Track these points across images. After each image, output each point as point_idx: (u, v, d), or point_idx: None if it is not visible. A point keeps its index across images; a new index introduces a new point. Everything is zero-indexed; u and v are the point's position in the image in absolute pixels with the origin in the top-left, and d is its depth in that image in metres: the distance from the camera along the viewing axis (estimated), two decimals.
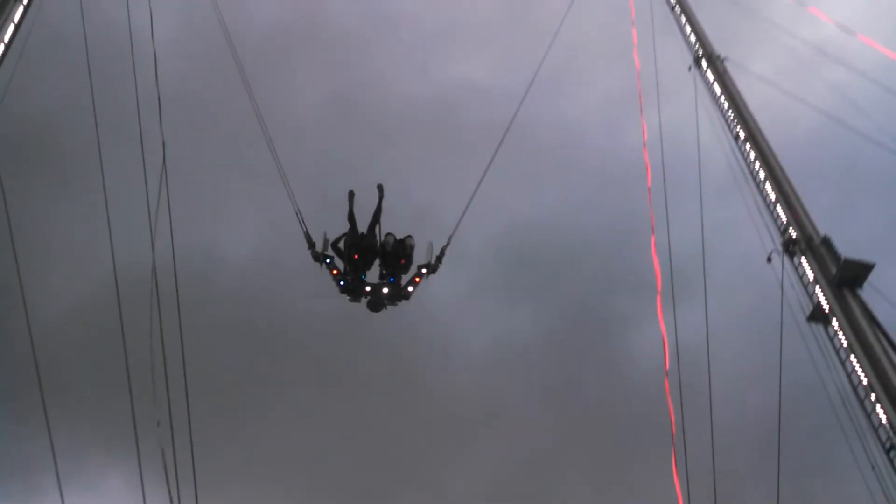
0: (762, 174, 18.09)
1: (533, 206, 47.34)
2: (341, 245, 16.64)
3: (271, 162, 18.52)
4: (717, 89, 20.71)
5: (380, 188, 16.96)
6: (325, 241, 16.77)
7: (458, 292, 43.92)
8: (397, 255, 16.41)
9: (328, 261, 16.37)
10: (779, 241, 16.81)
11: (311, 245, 16.56)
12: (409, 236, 16.73)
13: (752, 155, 18.60)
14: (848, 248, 15.40)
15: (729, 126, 19.93)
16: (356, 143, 45.90)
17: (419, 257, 16.83)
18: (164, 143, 18.17)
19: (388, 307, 16.47)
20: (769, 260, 16.83)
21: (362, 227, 16.65)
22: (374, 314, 16.45)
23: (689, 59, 22.54)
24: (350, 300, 16.33)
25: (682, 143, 23.23)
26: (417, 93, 49.57)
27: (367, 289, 16.15)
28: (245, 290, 40.00)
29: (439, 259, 16.80)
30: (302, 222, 16.86)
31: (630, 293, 43.16)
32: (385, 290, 16.24)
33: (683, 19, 23.67)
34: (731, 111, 19.95)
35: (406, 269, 16.56)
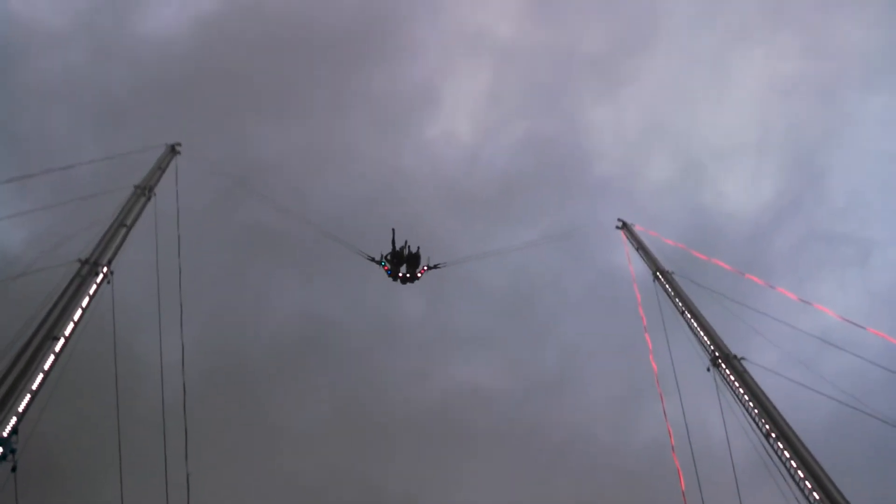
0: (794, 465, 17.86)
1: None
2: (388, 256, 30.77)
3: None
4: (739, 388, 20.97)
5: (406, 243, 31.23)
6: (382, 255, 30.69)
7: None
8: (412, 258, 31.00)
9: (383, 263, 30.66)
10: None
11: (372, 259, 30.69)
12: (419, 248, 31.24)
13: (785, 452, 18.44)
14: None
15: (755, 421, 19.96)
16: (361, 450, 45.83)
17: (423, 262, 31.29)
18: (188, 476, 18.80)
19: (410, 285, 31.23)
20: None
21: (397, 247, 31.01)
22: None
23: (706, 360, 23.05)
24: (392, 280, 30.76)
25: (706, 437, 23.16)
26: (420, 396, 50.55)
27: (401, 276, 30.80)
28: None
29: (435, 266, 31.47)
30: (364, 254, 30.75)
31: None
32: (408, 276, 30.87)
33: (694, 323, 24.56)
34: (756, 409, 20.04)
35: (416, 265, 31.09)
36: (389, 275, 30.59)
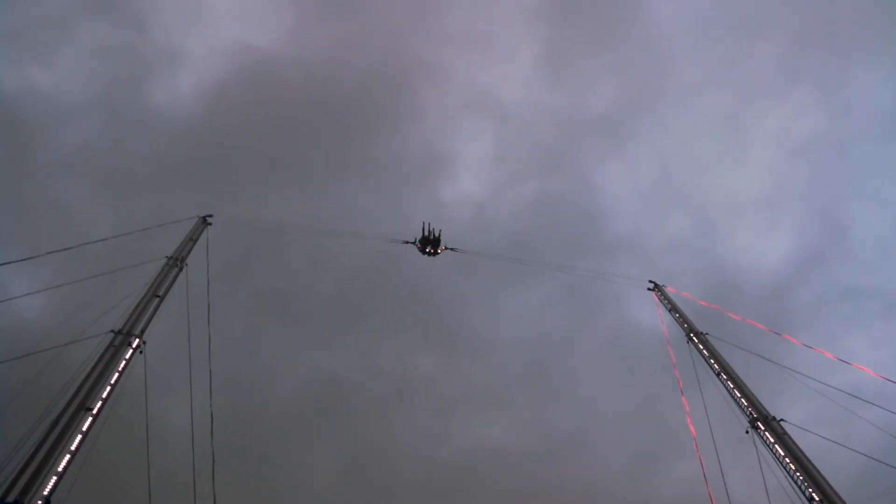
0: None
1: None
2: (418, 243, 40.74)
3: None
4: (780, 451, 20.44)
5: (438, 233, 41.04)
6: (416, 238, 40.32)
7: None
8: (435, 240, 40.34)
9: (416, 243, 40.29)
10: None
11: (407, 241, 40.35)
12: (440, 230, 40.86)
13: None
14: None
15: (797, 484, 19.37)
16: None
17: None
18: None
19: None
20: None
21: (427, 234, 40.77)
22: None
23: (744, 422, 22.53)
24: (421, 253, 40.04)
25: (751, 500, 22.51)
26: (433, 457, 49.75)
27: (429, 251, 40.42)
28: None
29: (453, 249, 40.83)
30: (401, 241, 40.70)
31: None
32: (432, 251, 40.39)
33: (731, 385, 24.10)
34: (798, 473, 19.48)
35: (438, 244, 40.43)
36: (419, 247, 40.48)
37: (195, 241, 26.57)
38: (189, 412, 21.32)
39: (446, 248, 40.83)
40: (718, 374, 24.96)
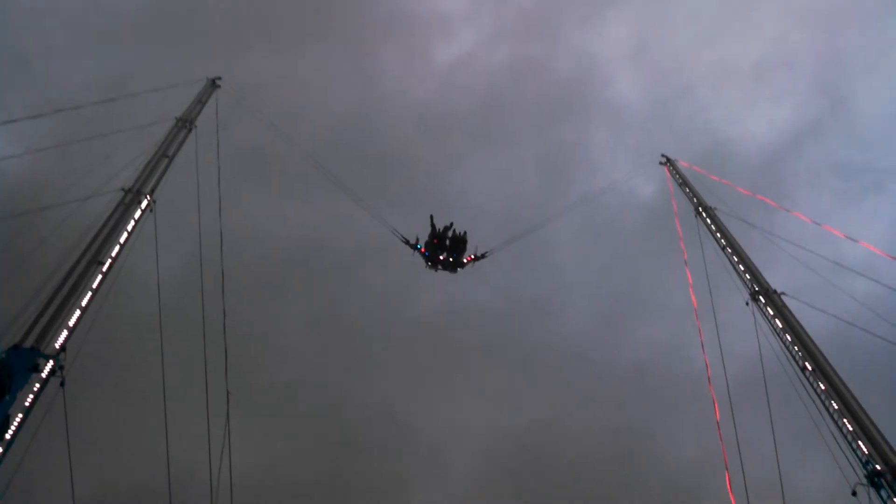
0: (836, 406, 17.65)
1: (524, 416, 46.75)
2: (428, 240, 27.94)
3: None
4: (779, 323, 20.78)
5: (450, 224, 28.18)
6: (417, 238, 28.07)
7: None
8: (457, 242, 27.99)
9: (419, 246, 27.87)
10: (862, 473, 16.03)
11: (407, 242, 27.98)
12: (465, 231, 28.23)
13: (823, 387, 18.28)
14: None
15: (794, 357, 19.78)
16: (336, 361, 45.91)
17: (471, 246, 28.25)
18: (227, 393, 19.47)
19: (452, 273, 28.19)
20: (854, 493, 15.95)
21: (437, 229, 28.08)
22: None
23: (745, 295, 22.82)
24: (429, 268, 28.00)
25: (748, 368, 23.09)
26: (399, 313, 50.37)
27: (441, 259, 27.81)
28: None
29: (483, 256, 28.32)
30: (398, 235, 28.11)
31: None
32: (451, 262, 27.95)
33: (735, 259, 24.28)
34: (795, 346, 19.85)
35: (462, 252, 28.05)
36: (427, 259, 27.80)
37: (204, 104, 26.41)
38: (199, 274, 21.71)
39: (475, 258, 28.38)
40: (724, 248, 25.13)
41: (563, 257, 56.18)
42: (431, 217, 27.78)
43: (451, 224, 27.82)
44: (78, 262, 17.07)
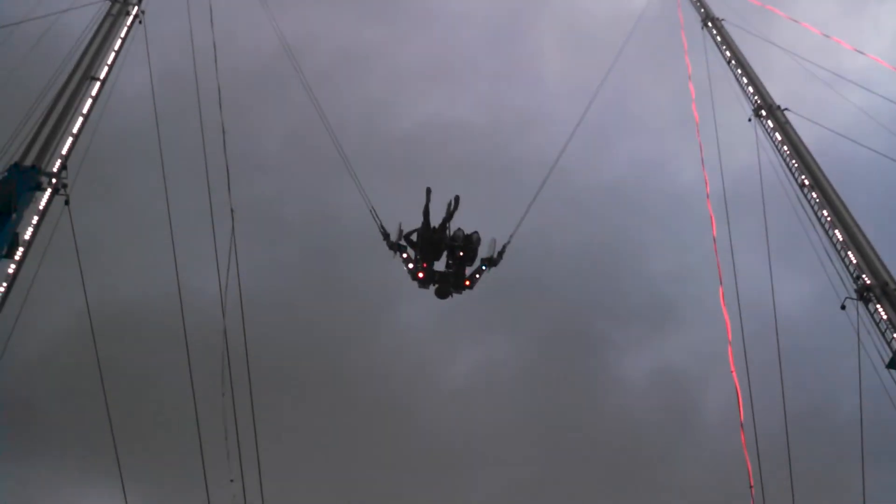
0: (829, 219, 17.94)
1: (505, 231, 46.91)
2: (414, 237, 17.76)
3: None
4: (780, 137, 20.71)
5: (457, 199, 17.94)
6: (400, 231, 17.91)
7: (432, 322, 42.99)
8: (463, 249, 17.63)
9: (404, 252, 17.67)
10: (852, 287, 16.54)
11: (386, 236, 17.93)
12: (476, 232, 17.91)
13: (818, 201, 18.50)
14: None
15: (792, 173, 19.89)
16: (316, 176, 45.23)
17: (483, 251, 18.05)
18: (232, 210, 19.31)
19: (454, 295, 17.82)
20: (843, 307, 16.53)
21: (435, 222, 17.79)
22: (441, 300, 17.80)
23: (748, 111, 22.59)
24: (420, 286, 17.66)
25: (741, 184, 23.28)
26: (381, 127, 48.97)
27: (436, 277, 17.56)
28: None
29: (500, 254, 18.16)
30: (375, 216, 18.26)
31: (611, 319, 43.76)
32: (451, 280, 17.64)
33: (739, 72, 23.82)
34: (794, 160, 19.89)
35: (471, 261, 17.78)
36: (413, 271, 17.60)
37: None
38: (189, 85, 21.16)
39: (489, 265, 17.99)
40: (729, 62, 24.59)
41: (546, 69, 54.32)
42: (428, 192, 17.88)
43: (456, 203, 17.90)
44: (71, 76, 16.64)
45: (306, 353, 39.74)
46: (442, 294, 17.68)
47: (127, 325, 33.18)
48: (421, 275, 17.46)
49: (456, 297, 17.80)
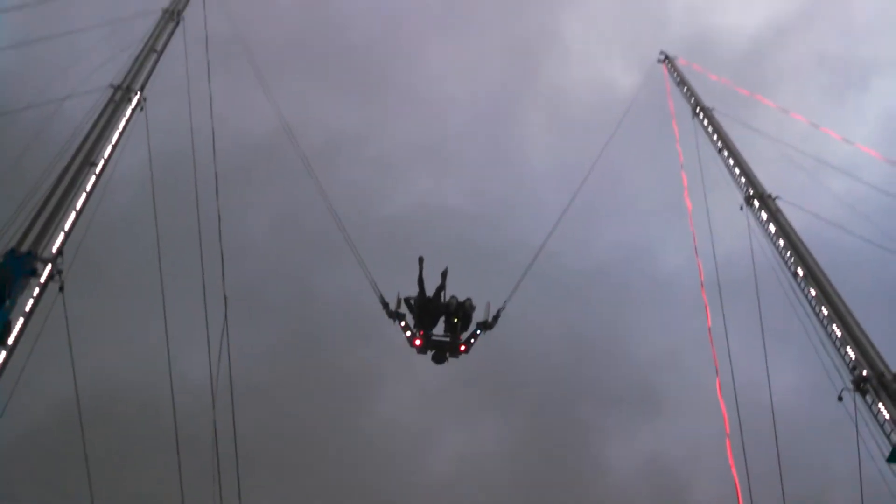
0: (825, 312, 17.92)
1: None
2: (412, 302, 18.69)
3: None
4: (772, 228, 20.87)
5: (444, 272, 18.84)
6: (399, 300, 18.75)
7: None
8: (457, 315, 18.42)
9: (402, 320, 18.40)
10: (848, 378, 16.44)
11: (386, 305, 18.66)
12: (469, 299, 18.76)
13: (814, 292, 18.51)
14: None
15: (785, 262, 19.97)
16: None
17: (478, 315, 18.77)
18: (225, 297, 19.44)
19: (450, 359, 18.55)
20: (840, 398, 16.40)
21: (429, 291, 18.70)
22: (438, 365, 18.59)
23: (740, 199, 22.85)
24: (418, 353, 18.43)
25: (730, 269, 23.35)
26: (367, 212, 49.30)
27: (433, 343, 18.36)
28: None
29: (496, 319, 18.85)
30: (375, 287, 19.00)
31: (596, 405, 43.48)
32: (447, 346, 18.41)
33: (731, 161, 24.18)
34: (788, 251, 19.99)
35: (465, 326, 18.62)
36: (410, 339, 18.23)
37: None
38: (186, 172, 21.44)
39: (483, 330, 18.65)
40: (720, 151, 24.99)
41: (534, 152, 55.29)
42: (420, 261, 18.76)
43: (444, 274, 18.78)
44: (71, 162, 16.78)
45: (290, 439, 39.33)
46: (438, 360, 18.51)
47: (113, 409, 32.82)
48: (418, 342, 18.22)
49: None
